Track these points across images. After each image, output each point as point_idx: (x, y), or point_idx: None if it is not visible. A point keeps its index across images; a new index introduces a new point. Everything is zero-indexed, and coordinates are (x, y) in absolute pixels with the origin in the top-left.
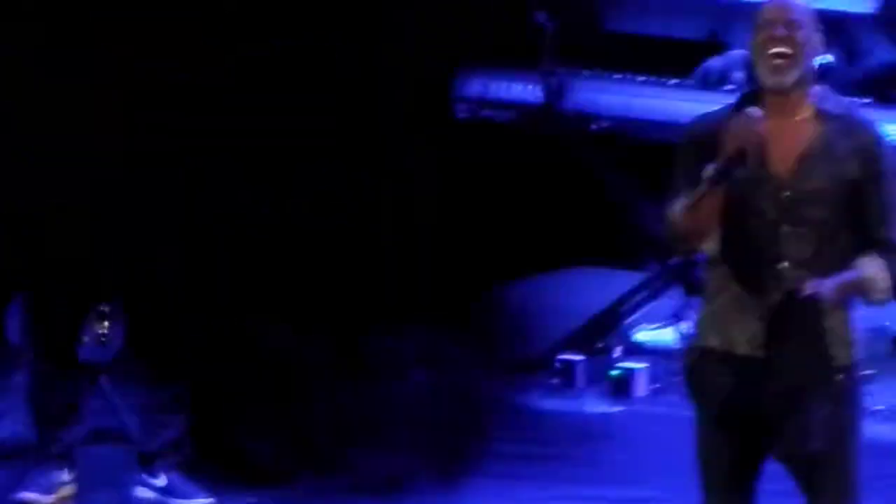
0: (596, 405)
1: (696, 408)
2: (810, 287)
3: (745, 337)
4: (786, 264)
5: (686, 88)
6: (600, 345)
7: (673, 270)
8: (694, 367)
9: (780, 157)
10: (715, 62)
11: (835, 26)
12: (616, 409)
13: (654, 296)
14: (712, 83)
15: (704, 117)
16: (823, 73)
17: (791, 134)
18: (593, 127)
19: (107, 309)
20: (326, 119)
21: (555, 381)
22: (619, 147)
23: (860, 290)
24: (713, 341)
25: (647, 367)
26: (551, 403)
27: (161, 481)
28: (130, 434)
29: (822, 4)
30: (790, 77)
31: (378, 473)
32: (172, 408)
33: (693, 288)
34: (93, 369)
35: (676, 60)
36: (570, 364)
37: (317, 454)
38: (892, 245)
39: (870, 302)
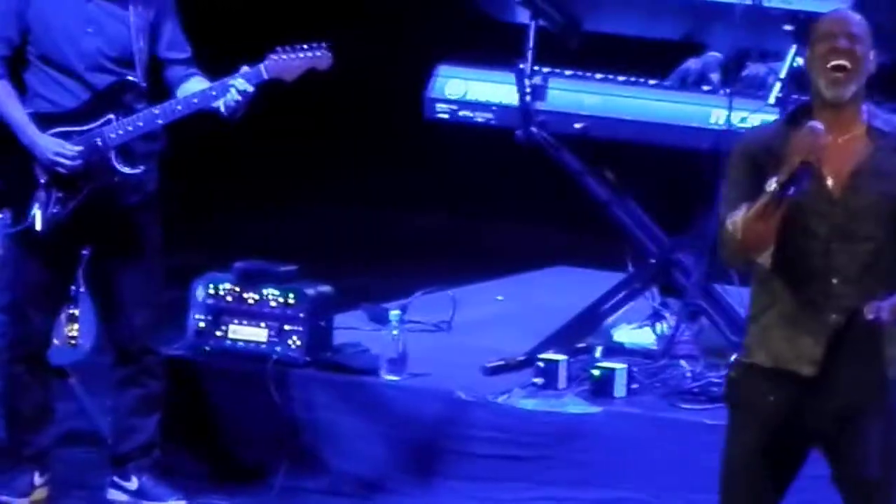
0: (576, 405)
1: (736, 421)
2: (871, 310)
3: (795, 354)
4: (835, 281)
5: (664, 89)
6: (580, 345)
7: (651, 271)
8: (739, 381)
9: (832, 174)
10: (692, 63)
11: (808, 28)
12: (596, 409)
13: (633, 296)
14: (689, 84)
15: (756, 130)
16: (799, 76)
17: (843, 150)
18: (572, 127)
19: (77, 311)
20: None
21: (535, 380)
22: (597, 147)
23: None
24: (760, 357)
25: (626, 368)
26: (531, 403)
27: (133, 484)
28: (102, 437)
29: (795, 6)
30: (848, 91)
31: (354, 475)
32: (144, 410)
33: (670, 289)
34: (64, 372)
35: (654, 61)
36: (551, 364)
37: (291, 455)
38: None
39: None
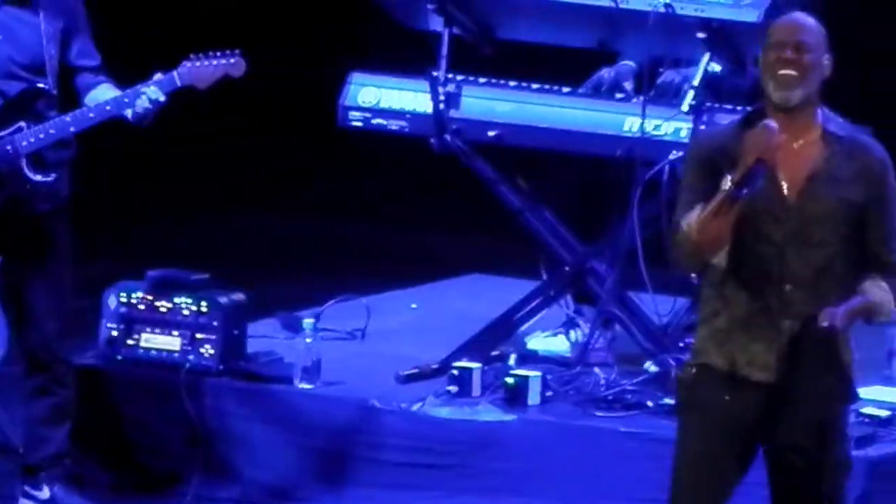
0: (490, 413)
1: (690, 423)
2: (826, 317)
3: (748, 359)
4: (789, 287)
5: (577, 97)
6: (495, 353)
7: (565, 279)
8: (692, 382)
9: (788, 179)
10: (606, 71)
11: (721, 36)
12: (510, 417)
13: (547, 304)
14: (603, 92)
15: (711, 132)
16: (712, 83)
17: (798, 156)
18: (486, 134)
19: None
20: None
21: (449, 388)
22: (512, 155)
23: (867, 315)
24: (715, 359)
25: (540, 376)
26: (445, 411)
27: (45, 494)
28: (13, 446)
29: (708, 14)
30: (796, 95)
31: (267, 483)
32: (55, 420)
33: (584, 296)
34: None
35: (568, 69)
36: (465, 372)
37: (204, 464)
38: None
39: (872, 324)
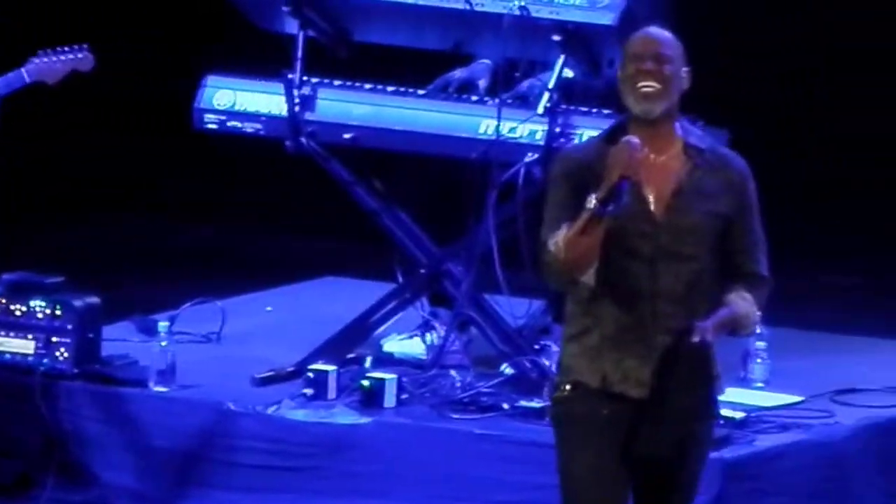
0: (345, 416)
1: (572, 439)
2: (698, 332)
3: (622, 376)
4: (661, 302)
5: (434, 99)
6: (350, 355)
7: (421, 281)
8: (567, 400)
9: (654, 195)
10: (457, 72)
11: (576, 38)
12: (365, 420)
13: (403, 306)
14: (451, 92)
15: (574, 148)
16: (565, 88)
17: (662, 170)
18: (342, 137)
19: None
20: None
21: (304, 391)
22: (367, 157)
23: (734, 327)
24: (587, 377)
25: (396, 378)
26: (301, 414)
27: None
28: None
29: (563, 16)
30: (658, 108)
31: (123, 487)
32: None
33: (440, 299)
34: None
35: (426, 71)
36: (320, 374)
37: (58, 467)
38: (760, 278)
39: (739, 335)
